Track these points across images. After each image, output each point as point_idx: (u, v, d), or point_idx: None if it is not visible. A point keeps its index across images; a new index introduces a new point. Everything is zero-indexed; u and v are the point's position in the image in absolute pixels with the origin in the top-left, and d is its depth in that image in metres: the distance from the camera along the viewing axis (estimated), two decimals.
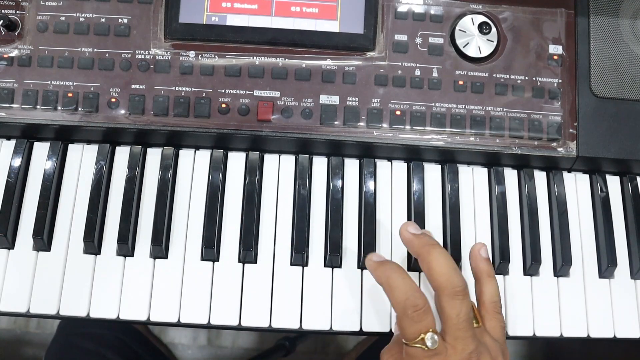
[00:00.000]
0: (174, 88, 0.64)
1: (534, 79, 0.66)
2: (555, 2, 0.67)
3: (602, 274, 0.65)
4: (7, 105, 0.62)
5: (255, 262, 0.62)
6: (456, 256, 0.63)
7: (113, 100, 0.63)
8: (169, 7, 0.64)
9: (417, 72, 0.65)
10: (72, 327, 0.89)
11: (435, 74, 0.65)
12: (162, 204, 0.63)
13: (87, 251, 0.62)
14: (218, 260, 0.62)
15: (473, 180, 0.67)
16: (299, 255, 0.62)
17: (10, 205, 0.61)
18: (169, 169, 0.64)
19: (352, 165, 0.67)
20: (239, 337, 1.40)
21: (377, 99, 0.65)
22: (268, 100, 0.64)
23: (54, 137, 0.65)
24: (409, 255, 0.64)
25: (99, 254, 0.62)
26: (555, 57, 0.66)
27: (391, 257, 0.64)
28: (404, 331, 0.54)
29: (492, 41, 0.66)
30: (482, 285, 0.59)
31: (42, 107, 0.63)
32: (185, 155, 0.66)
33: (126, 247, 0.61)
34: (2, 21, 0.63)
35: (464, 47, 0.66)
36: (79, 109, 0.63)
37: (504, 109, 0.65)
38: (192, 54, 0.64)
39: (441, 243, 0.64)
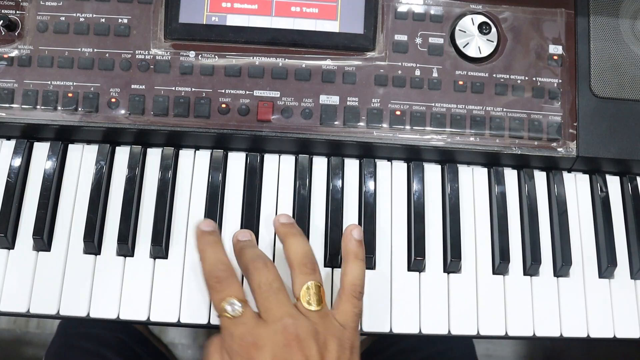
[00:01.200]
0: (174, 88, 0.64)
1: (534, 79, 0.66)
2: (555, 2, 0.67)
3: (602, 274, 0.65)
4: (7, 105, 0.62)
5: None
6: (455, 256, 0.63)
7: (113, 100, 0.63)
8: (169, 7, 0.64)
9: (417, 72, 0.65)
10: (72, 327, 0.89)
11: (435, 74, 0.65)
12: (162, 204, 0.63)
13: (87, 251, 0.62)
14: None
15: (473, 180, 0.67)
16: None
17: (10, 206, 0.61)
18: (169, 169, 0.64)
19: (352, 165, 0.67)
20: None
21: (377, 99, 0.65)
22: (268, 100, 0.64)
23: (54, 137, 0.65)
24: (408, 255, 0.64)
25: (99, 254, 0.62)
26: (555, 57, 0.66)
27: (391, 257, 0.64)
28: (212, 301, 0.54)
29: (492, 41, 0.66)
30: (346, 266, 0.57)
31: (42, 107, 0.63)
32: (185, 155, 0.66)
33: (126, 247, 0.61)
34: (2, 21, 0.63)
35: (464, 47, 0.66)
36: (79, 109, 0.63)
37: (504, 109, 0.65)
38: (192, 54, 0.64)
39: (441, 243, 0.64)
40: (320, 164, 0.66)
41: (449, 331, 0.62)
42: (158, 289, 0.61)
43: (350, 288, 0.56)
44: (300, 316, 0.52)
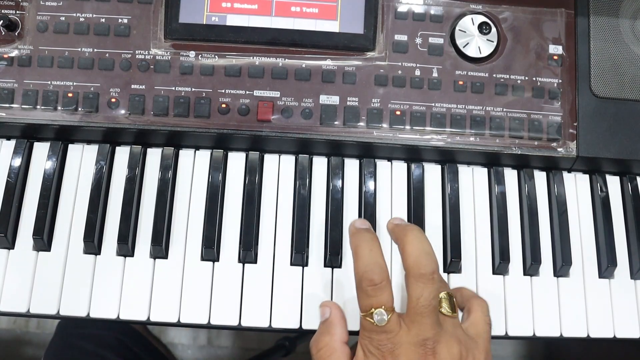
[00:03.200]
0: (174, 88, 0.64)
1: (534, 79, 0.66)
2: (555, 2, 0.67)
3: (602, 274, 0.65)
4: (7, 105, 0.62)
5: (255, 262, 0.62)
6: (455, 256, 0.63)
7: (113, 100, 0.63)
8: (169, 7, 0.64)
9: (417, 72, 0.65)
10: (72, 328, 0.89)
11: (435, 74, 0.65)
12: (162, 204, 0.63)
13: (87, 251, 0.62)
14: (218, 260, 0.62)
15: (473, 180, 0.67)
16: (299, 255, 0.62)
17: (10, 205, 0.61)
18: (169, 169, 0.64)
19: (352, 165, 0.67)
20: (239, 337, 1.40)
21: (377, 99, 0.65)
22: (268, 100, 0.64)
23: (54, 137, 0.65)
24: None
25: (99, 254, 0.62)
26: (555, 57, 0.66)
27: (391, 257, 0.64)
28: (358, 301, 0.54)
29: (492, 41, 0.66)
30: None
31: (42, 107, 0.63)
32: (185, 155, 0.66)
33: (126, 247, 0.61)
34: (2, 21, 0.63)
35: (464, 47, 0.66)
36: (79, 109, 0.63)
37: (504, 109, 0.65)
38: (192, 54, 0.64)
39: (441, 243, 0.65)
40: (320, 164, 0.66)
41: None
42: (158, 289, 0.61)
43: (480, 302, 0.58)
44: (441, 331, 0.53)
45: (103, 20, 0.64)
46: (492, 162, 0.67)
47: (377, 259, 0.54)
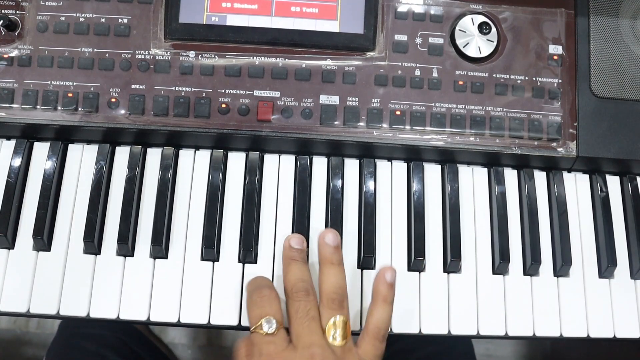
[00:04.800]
0: (174, 88, 0.64)
1: (534, 79, 0.66)
2: (555, 2, 0.67)
3: (602, 274, 0.65)
4: (7, 105, 0.62)
5: (255, 262, 0.62)
6: (455, 256, 0.63)
7: (113, 100, 0.63)
8: (169, 7, 0.64)
9: (417, 72, 0.65)
10: (73, 328, 0.89)
11: (435, 74, 0.65)
12: (162, 204, 0.63)
13: (87, 251, 0.62)
14: (218, 260, 0.62)
15: (473, 180, 0.67)
16: None
17: (10, 205, 0.61)
18: (169, 169, 0.64)
19: (352, 165, 0.67)
20: (239, 337, 1.40)
21: (377, 99, 0.65)
22: (268, 100, 0.64)
23: (54, 137, 0.65)
24: (408, 255, 0.64)
25: (99, 254, 0.62)
26: (555, 57, 0.66)
27: (391, 257, 0.64)
28: (249, 317, 0.56)
29: (492, 41, 0.66)
30: (373, 307, 0.58)
31: (42, 107, 0.63)
32: (185, 155, 0.66)
33: (126, 247, 0.61)
34: (2, 21, 0.63)
35: (464, 47, 0.66)
36: (79, 109, 0.63)
37: (504, 109, 0.65)
38: (192, 54, 0.64)
39: (441, 243, 0.64)
40: (320, 164, 0.66)
41: (449, 331, 0.62)
42: (158, 289, 0.61)
43: (374, 330, 0.57)
44: (328, 348, 0.54)
45: (103, 20, 0.64)
46: (492, 162, 0.67)
47: (267, 278, 0.60)
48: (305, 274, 0.58)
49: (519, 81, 0.66)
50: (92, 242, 0.61)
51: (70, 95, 0.63)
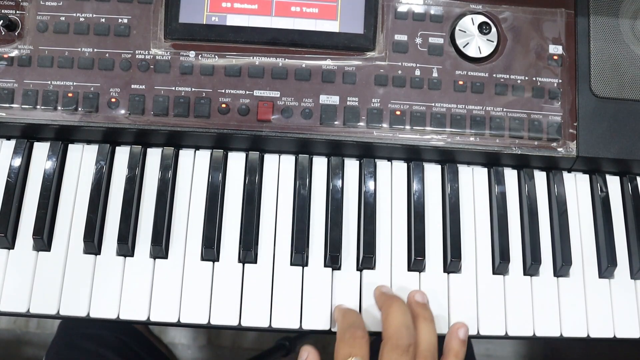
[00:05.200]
0: (174, 88, 0.64)
1: (534, 79, 0.66)
2: (555, 2, 0.67)
3: (602, 274, 0.65)
4: (7, 105, 0.62)
5: (255, 262, 0.62)
6: (455, 256, 0.63)
7: (113, 100, 0.63)
8: (169, 7, 0.64)
9: (417, 72, 0.65)
10: (73, 328, 0.89)
11: (435, 74, 0.65)
12: (162, 204, 0.63)
13: (87, 251, 0.62)
14: (218, 260, 0.62)
15: (473, 180, 0.67)
16: (299, 255, 0.62)
17: (10, 205, 0.61)
18: (169, 169, 0.64)
19: (352, 165, 0.67)
20: (239, 337, 1.40)
21: (377, 99, 0.65)
22: (268, 100, 0.64)
23: (54, 137, 0.65)
24: (408, 255, 0.64)
25: (99, 254, 0.62)
26: (555, 57, 0.66)
27: (391, 257, 0.64)
28: (336, 353, 0.55)
29: (492, 41, 0.66)
30: None
31: (42, 107, 0.63)
32: (185, 155, 0.66)
33: (126, 247, 0.61)
34: (2, 21, 0.63)
35: (464, 47, 0.66)
36: (79, 109, 0.63)
37: (504, 109, 0.65)
38: (192, 54, 0.64)
39: (441, 243, 0.65)
40: (320, 164, 0.66)
41: None
42: (158, 289, 0.61)
43: None
44: None
45: (103, 20, 0.64)
46: (492, 162, 0.67)
47: (360, 317, 0.59)
48: (409, 317, 0.57)
49: (519, 81, 0.66)
50: (92, 242, 0.61)
51: (70, 95, 0.63)
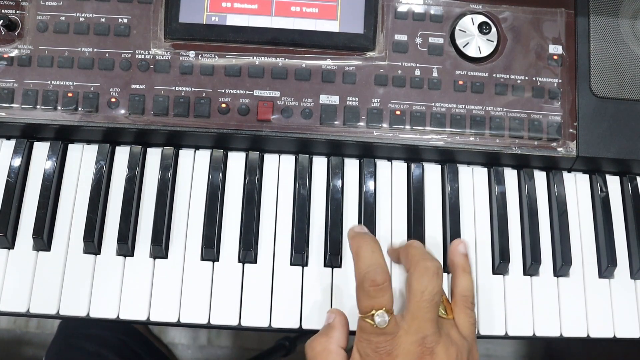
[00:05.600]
0: (174, 88, 0.64)
1: (534, 79, 0.66)
2: (555, 2, 0.67)
3: (602, 274, 0.65)
4: (7, 105, 0.63)
5: (255, 262, 0.62)
6: None
7: (113, 100, 0.63)
8: (169, 7, 0.64)
9: (417, 72, 0.65)
10: (73, 328, 0.89)
11: (435, 74, 0.65)
12: (162, 204, 0.63)
13: (87, 251, 0.62)
14: (218, 260, 0.62)
15: (473, 180, 0.67)
16: (299, 255, 0.62)
17: (10, 205, 0.61)
18: (169, 169, 0.64)
19: (352, 165, 0.67)
20: (239, 337, 1.40)
21: (377, 99, 0.65)
22: (268, 100, 0.64)
23: (54, 137, 0.65)
24: None
25: (99, 253, 0.62)
26: (555, 57, 0.66)
27: (391, 263, 0.64)
28: (358, 303, 0.54)
29: (492, 41, 0.66)
30: (455, 278, 0.59)
31: (42, 107, 0.63)
32: (185, 155, 0.66)
33: (126, 247, 0.61)
34: (2, 21, 0.63)
35: (464, 47, 0.66)
36: (79, 109, 0.63)
37: (504, 109, 0.65)
38: (192, 54, 0.64)
39: (441, 243, 0.65)
40: (320, 164, 0.66)
41: None
42: (158, 289, 0.61)
43: (462, 299, 0.57)
44: (439, 331, 0.53)
45: (103, 20, 0.64)
46: (492, 162, 0.67)
47: (379, 260, 0.54)
48: (426, 250, 0.58)
49: (519, 81, 0.66)
50: (92, 242, 0.61)
51: (70, 95, 0.63)
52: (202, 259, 0.62)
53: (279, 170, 0.66)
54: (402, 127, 0.64)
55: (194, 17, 0.64)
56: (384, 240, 0.64)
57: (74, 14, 0.64)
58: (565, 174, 0.68)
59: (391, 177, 0.67)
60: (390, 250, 0.63)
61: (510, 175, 0.68)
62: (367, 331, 0.53)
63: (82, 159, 0.65)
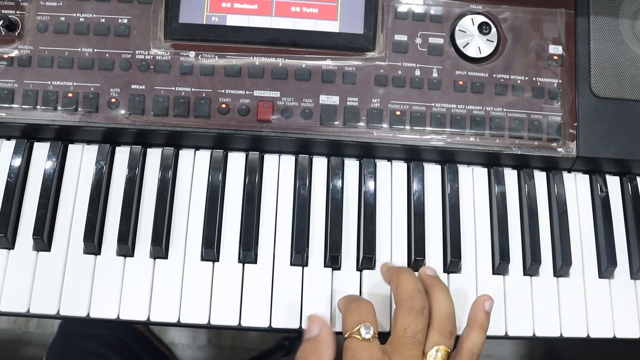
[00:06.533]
0: (174, 88, 0.64)
1: (534, 79, 0.66)
2: (555, 2, 0.67)
3: (602, 274, 0.65)
4: (7, 105, 0.62)
5: (255, 262, 0.62)
6: (455, 256, 0.63)
7: (113, 100, 0.63)
8: (169, 7, 0.64)
9: (417, 72, 0.65)
10: (73, 328, 0.89)
11: (435, 74, 0.65)
12: (162, 204, 0.63)
13: (87, 251, 0.62)
14: (218, 260, 0.62)
15: (473, 181, 0.67)
16: (299, 255, 0.62)
17: (10, 206, 0.61)
18: (169, 169, 0.64)
19: (352, 166, 0.67)
20: (239, 337, 1.40)
21: (377, 99, 0.65)
22: (268, 100, 0.64)
23: (54, 137, 0.65)
24: (408, 255, 0.64)
25: (99, 254, 0.62)
26: (555, 57, 0.66)
27: (391, 258, 0.64)
28: (344, 323, 0.56)
29: (492, 41, 0.66)
30: (470, 331, 0.58)
31: (42, 107, 0.63)
32: (185, 155, 0.66)
33: (126, 247, 0.61)
34: (2, 21, 0.63)
35: (464, 47, 0.66)
36: (79, 109, 0.63)
37: (504, 109, 0.65)
38: (192, 54, 0.64)
39: (441, 243, 0.65)
40: (320, 164, 0.66)
41: None
42: (158, 289, 0.61)
43: (468, 355, 0.57)
44: None
45: (103, 20, 0.64)
46: (492, 162, 0.67)
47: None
48: (419, 283, 0.58)
49: (519, 81, 0.66)
50: (92, 242, 0.61)
51: (70, 95, 0.63)
52: (202, 259, 0.62)
53: (279, 170, 0.66)
54: (402, 127, 0.64)
55: (194, 17, 0.64)
56: (384, 240, 0.64)
57: (74, 14, 0.64)
58: (565, 174, 0.68)
59: (391, 178, 0.67)
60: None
61: (510, 176, 0.68)
62: (353, 347, 0.54)
63: (82, 159, 0.65)
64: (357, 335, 0.54)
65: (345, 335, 0.55)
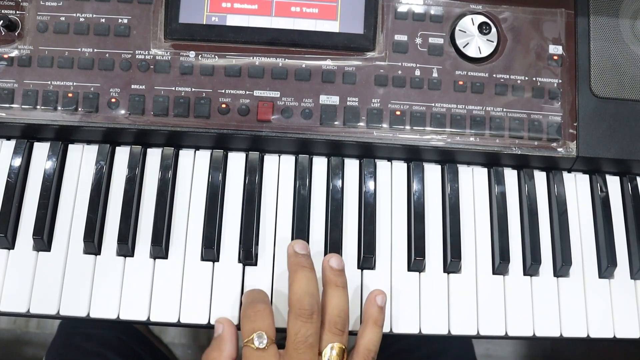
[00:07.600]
0: (174, 88, 0.64)
1: (534, 79, 0.66)
2: (555, 2, 0.67)
3: (602, 274, 0.65)
4: (7, 105, 0.63)
5: (255, 262, 0.62)
6: (455, 256, 0.63)
7: (113, 100, 0.63)
8: (169, 7, 0.64)
9: (417, 72, 0.65)
10: (73, 327, 0.89)
11: (435, 74, 0.65)
12: (162, 204, 0.63)
13: (87, 251, 0.62)
14: (218, 260, 0.62)
15: (473, 181, 0.67)
16: None
17: (10, 206, 0.61)
18: (169, 169, 0.64)
19: (352, 166, 0.67)
20: (239, 337, 1.40)
21: (377, 99, 0.65)
22: (268, 100, 0.64)
23: (54, 137, 0.65)
24: (408, 255, 0.64)
25: (99, 254, 0.62)
26: (555, 57, 0.66)
27: (391, 257, 0.64)
28: (242, 330, 0.56)
29: (492, 41, 0.66)
30: (364, 329, 0.59)
31: (42, 107, 0.63)
32: (185, 155, 0.66)
33: (126, 247, 0.61)
34: (2, 21, 0.63)
35: (464, 47, 0.66)
36: (79, 109, 0.63)
37: (504, 109, 0.65)
38: (192, 54, 0.64)
39: (441, 243, 0.64)
40: (320, 164, 0.66)
41: (449, 331, 0.62)
42: (158, 289, 0.61)
43: (364, 352, 0.57)
44: None
45: (103, 20, 0.64)
46: (492, 162, 0.67)
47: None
48: (313, 285, 0.57)
49: (519, 81, 0.66)
50: (92, 242, 0.61)
51: (70, 95, 0.63)
52: (202, 259, 0.62)
53: (279, 170, 0.66)
54: (402, 127, 0.64)
55: (194, 17, 0.64)
56: (384, 240, 0.64)
57: (74, 14, 0.64)
58: (565, 174, 0.68)
59: (391, 178, 0.67)
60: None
61: (510, 176, 0.68)
62: (249, 356, 0.55)
63: (82, 159, 0.65)
64: (252, 345, 0.55)
65: (243, 344, 0.56)
